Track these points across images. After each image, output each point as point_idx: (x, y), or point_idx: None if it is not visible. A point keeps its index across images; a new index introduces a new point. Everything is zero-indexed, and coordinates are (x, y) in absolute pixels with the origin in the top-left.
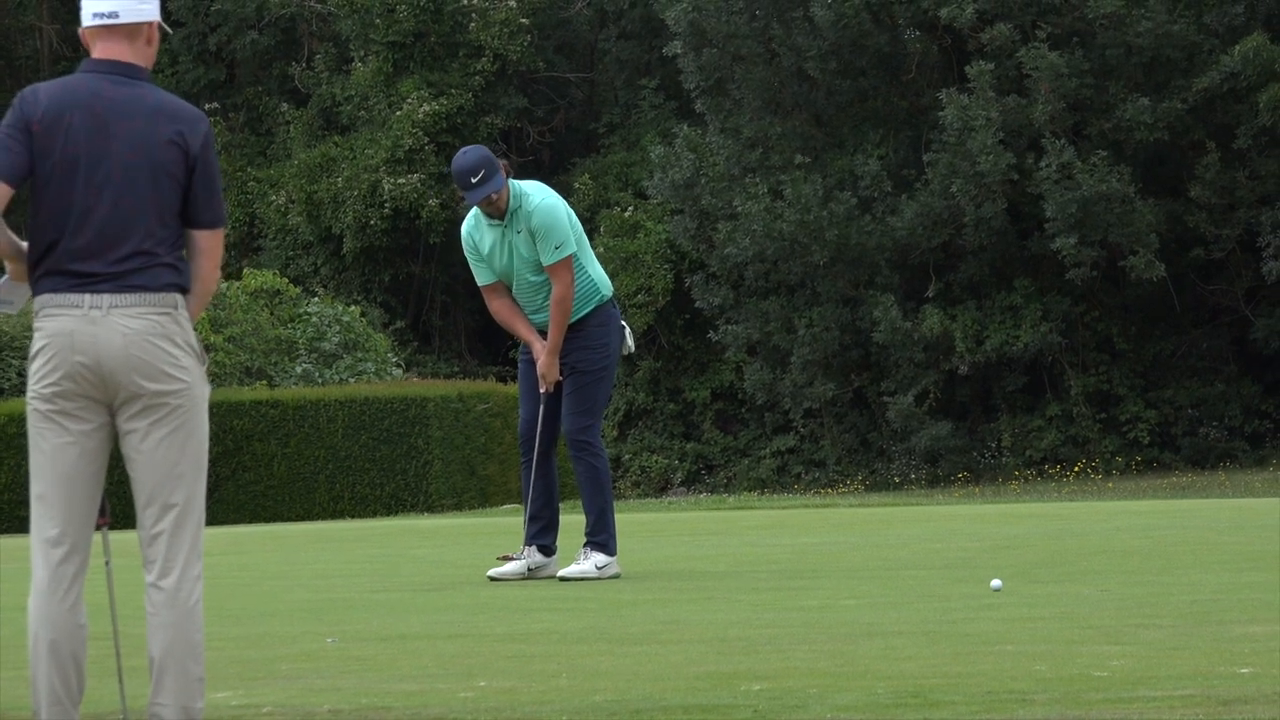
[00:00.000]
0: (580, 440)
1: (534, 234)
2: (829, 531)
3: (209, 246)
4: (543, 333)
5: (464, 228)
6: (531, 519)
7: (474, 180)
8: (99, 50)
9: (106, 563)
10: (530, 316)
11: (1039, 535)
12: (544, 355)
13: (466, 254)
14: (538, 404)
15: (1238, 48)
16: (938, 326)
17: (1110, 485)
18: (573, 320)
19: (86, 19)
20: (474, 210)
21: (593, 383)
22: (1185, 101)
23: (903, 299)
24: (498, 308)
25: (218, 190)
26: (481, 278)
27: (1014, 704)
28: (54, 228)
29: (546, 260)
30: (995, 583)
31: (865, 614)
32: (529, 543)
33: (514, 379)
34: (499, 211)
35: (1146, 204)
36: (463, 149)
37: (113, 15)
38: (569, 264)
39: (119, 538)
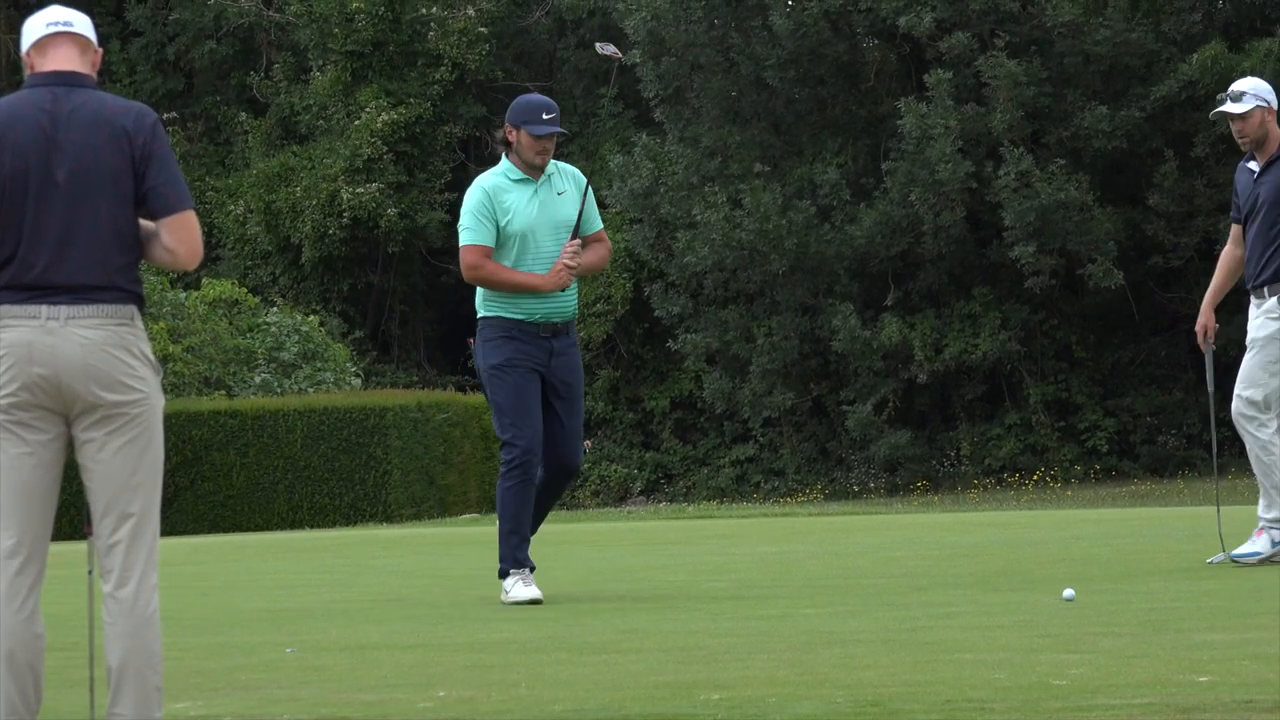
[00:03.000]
0: (576, 468)
1: (581, 199)
2: (788, 540)
3: (178, 227)
4: (544, 326)
5: (483, 183)
6: (524, 540)
7: (547, 116)
8: (49, 62)
9: (90, 572)
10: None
11: (998, 544)
12: (546, 281)
13: (473, 212)
14: (540, 419)
15: (1196, 56)
16: (896, 335)
17: (1069, 493)
18: (564, 321)
19: (37, 34)
20: (501, 169)
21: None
22: (1143, 110)
23: (861, 308)
24: (492, 267)
25: (175, 175)
26: (479, 237)
27: (973, 712)
28: (9, 241)
29: (597, 226)
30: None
31: (824, 623)
32: (527, 565)
33: (474, 388)
34: (545, 162)
35: (1105, 212)
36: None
37: (67, 24)
38: None
39: (64, 548)
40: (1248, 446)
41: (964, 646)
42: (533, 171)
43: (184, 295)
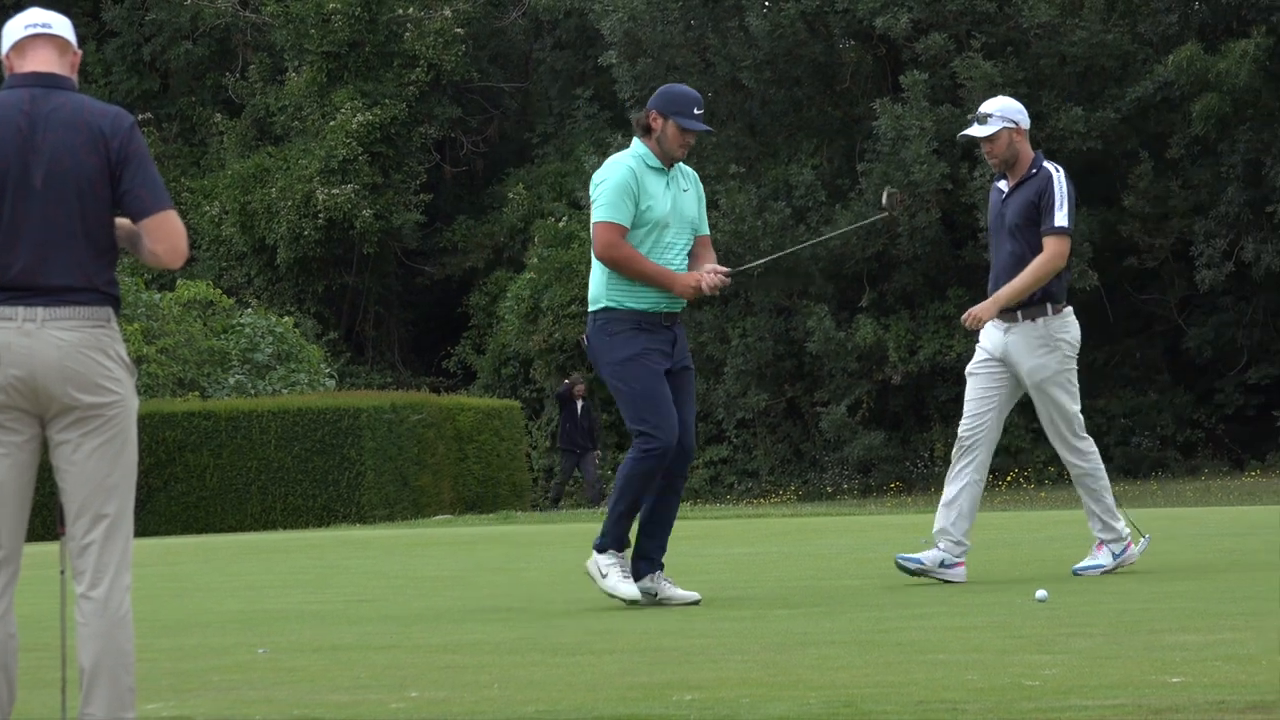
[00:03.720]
0: (693, 453)
1: (701, 201)
2: (761, 542)
3: (157, 228)
4: (665, 316)
5: (627, 162)
6: (631, 524)
7: (698, 111)
8: (28, 63)
9: (61, 572)
10: (651, 291)
11: (971, 545)
12: (681, 282)
13: (617, 188)
14: (674, 409)
15: (1171, 57)
16: (871, 336)
17: (1042, 495)
18: (678, 311)
19: (16, 36)
20: (639, 153)
21: None
22: (1119, 111)
23: (836, 309)
24: (630, 250)
25: (152, 178)
26: (620, 216)
27: (946, 713)
28: None
29: (705, 229)
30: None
31: (797, 624)
32: (627, 545)
33: (448, 389)
34: (684, 156)
35: (1080, 213)
36: (676, 83)
37: (46, 26)
38: None
39: (36, 549)
40: (1075, 475)
41: (937, 647)
42: (668, 162)
43: (158, 296)
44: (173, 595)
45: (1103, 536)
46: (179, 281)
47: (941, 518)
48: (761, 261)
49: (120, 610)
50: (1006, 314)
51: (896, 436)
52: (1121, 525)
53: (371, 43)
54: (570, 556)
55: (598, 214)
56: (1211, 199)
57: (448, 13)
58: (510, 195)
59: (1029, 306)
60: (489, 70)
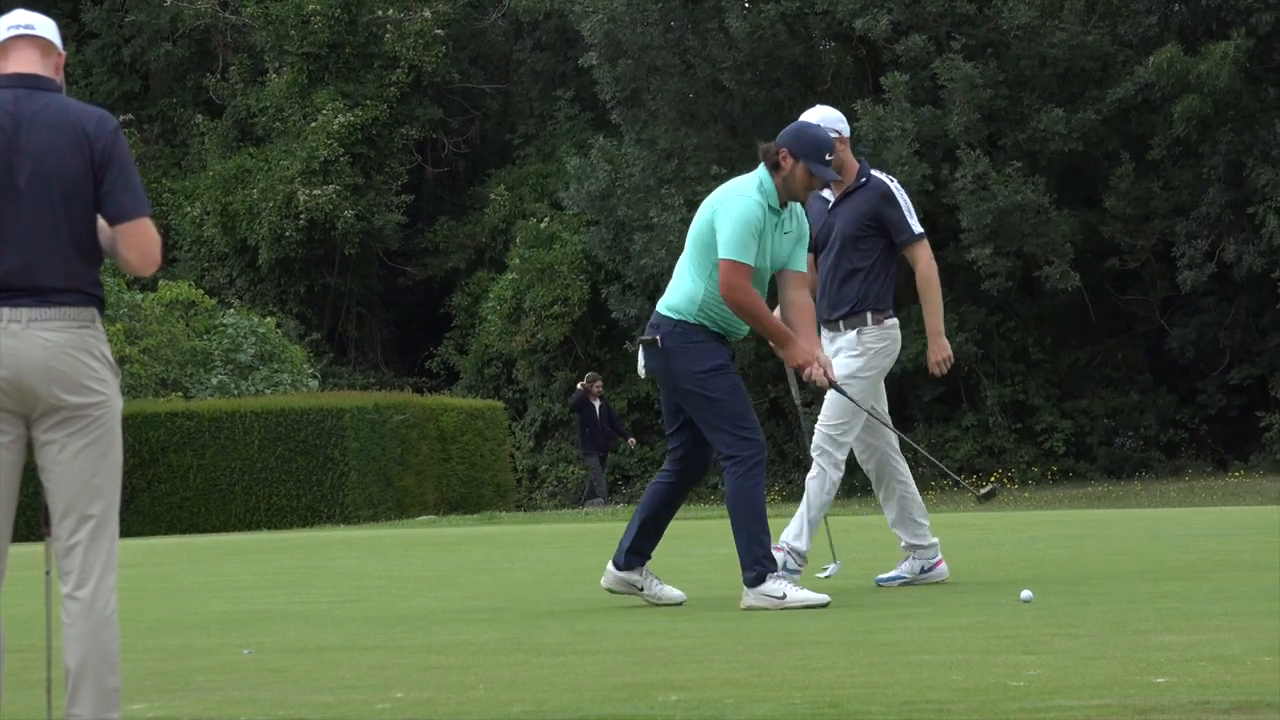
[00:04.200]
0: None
1: (800, 240)
2: None
3: (131, 234)
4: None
5: (756, 197)
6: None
7: (829, 158)
8: (11, 64)
9: (47, 573)
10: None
11: (955, 545)
12: (797, 347)
13: (749, 226)
14: None
15: (1151, 59)
16: None
17: (1026, 495)
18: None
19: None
20: (764, 188)
21: None
22: (1099, 112)
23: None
24: (756, 299)
25: (133, 183)
26: (749, 256)
27: (931, 713)
28: None
29: (800, 266)
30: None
31: (782, 624)
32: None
33: (431, 390)
34: (804, 201)
35: (1061, 214)
36: (811, 122)
37: (29, 27)
38: None
39: (21, 550)
40: (813, 473)
41: (922, 648)
42: (784, 202)
43: (140, 297)
44: (157, 596)
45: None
46: (161, 282)
47: (901, 534)
48: (858, 402)
49: (106, 611)
50: (831, 324)
51: None
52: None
53: (352, 44)
54: (553, 556)
55: (726, 250)
56: (1193, 200)
57: (428, 14)
58: (492, 196)
59: (850, 316)
60: (470, 71)
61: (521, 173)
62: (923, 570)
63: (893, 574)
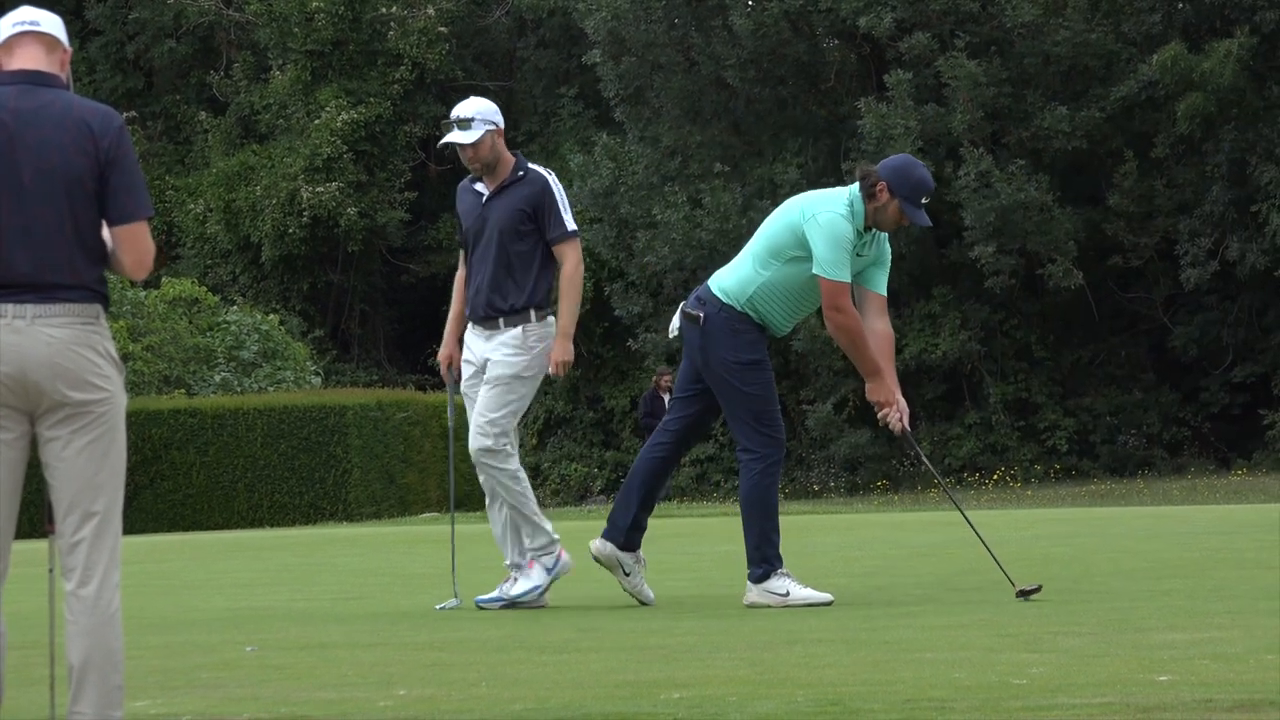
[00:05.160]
0: None
1: (879, 264)
2: None
3: (127, 237)
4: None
5: (847, 219)
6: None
7: (925, 201)
8: (16, 61)
9: (50, 570)
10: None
11: (958, 543)
12: (882, 384)
13: (843, 246)
14: None
15: (1155, 57)
16: None
17: (1029, 493)
18: None
19: (4, 34)
20: (854, 210)
21: None
22: (1103, 110)
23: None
24: (857, 322)
25: (136, 183)
26: (847, 275)
27: (933, 711)
28: None
29: (880, 289)
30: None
31: (785, 621)
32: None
33: (435, 387)
34: (889, 231)
35: (1065, 212)
36: (918, 162)
37: (34, 23)
38: None
39: (24, 546)
40: (491, 483)
41: (924, 645)
42: (869, 227)
43: (144, 294)
44: (160, 593)
45: (533, 547)
46: (164, 279)
47: (506, 551)
48: (918, 450)
49: (110, 608)
50: (489, 320)
51: (883, 435)
52: (548, 527)
53: (355, 41)
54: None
55: (826, 270)
56: (1196, 198)
57: (431, 11)
58: None
59: (513, 314)
60: (473, 69)
61: None
62: (547, 571)
63: (495, 593)
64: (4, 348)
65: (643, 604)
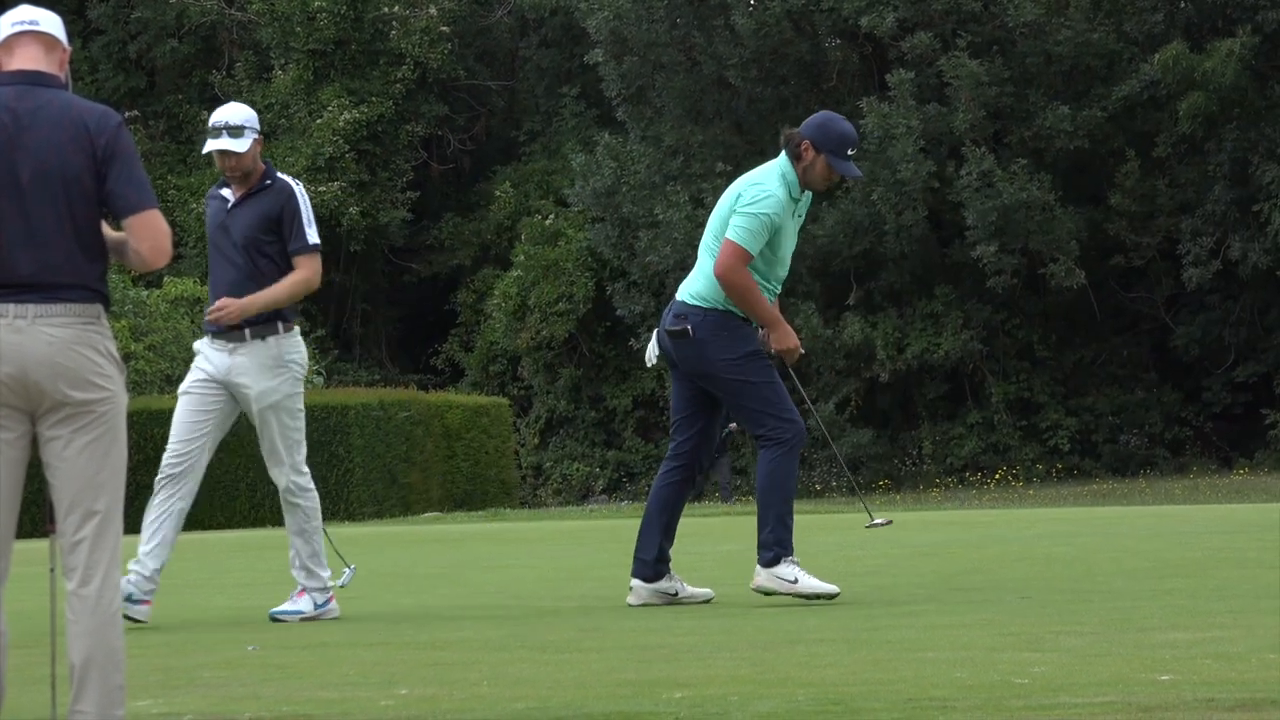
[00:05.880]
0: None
1: (802, 218)
2: (749, 539)
3: (141, 226)
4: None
5: (779, 191)
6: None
7: (852, 153)
8: (15, 61)
9: (51, 569)
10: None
11: (960, 543)
12: (784, 330)
13: (767, 216)
14: None
15: (1157, 56)
16: (859, 334)
17: (1031, 493)
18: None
19: (3, 34)
20: (787, 178)
21: None
22: (1105, 109)
23: (824, 307)
24: (750, 280)
25: (138, 177)
26: (754, 246)
27: (935, 710)
28: None
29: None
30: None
31: (786, 621)
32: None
33: (436, 386)
34: (822, 191)
35: (1067, 212)
36: (838, 115)
37: (34, 23)
38: None
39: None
40: (293, 521)
41: (926, 645)
42: (801, 191)
43: (145, 293)
44: (161, 592)
45: (306, 584)
46: (166, 279)
47: (149, 556)
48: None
49: (111, 607)
50: (233, 332)
51: (885, 434)
52: (326, 575)
53: (357, 41)
54: (557, 553)
55: (737, 235)
56: (1198, 197)
57: (433, 11)
58: (497, 193)
59: (259, 325)
60: (475, 68)
61: (527, 170)
62: (130, 599)
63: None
64: (5, 347)
65: (706, 602)
